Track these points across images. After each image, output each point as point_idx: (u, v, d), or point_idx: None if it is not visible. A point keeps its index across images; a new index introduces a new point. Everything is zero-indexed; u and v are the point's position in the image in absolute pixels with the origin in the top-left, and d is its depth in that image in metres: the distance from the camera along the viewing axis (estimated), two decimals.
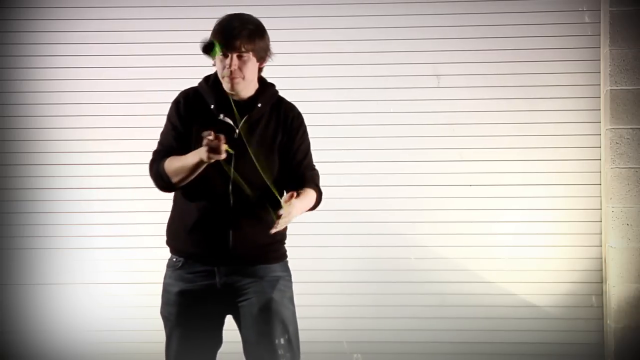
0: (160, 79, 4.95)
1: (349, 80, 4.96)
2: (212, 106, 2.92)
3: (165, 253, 3.03)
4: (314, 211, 2.92)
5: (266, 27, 2.90)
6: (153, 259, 4.85)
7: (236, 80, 2.85)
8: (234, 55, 2.82)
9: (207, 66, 2.94)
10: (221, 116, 2.90)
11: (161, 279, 3.02)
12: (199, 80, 3.02)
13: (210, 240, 2.89)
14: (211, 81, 2.97)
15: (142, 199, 4.92)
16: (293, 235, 3.13)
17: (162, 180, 2.91)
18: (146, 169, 2.99)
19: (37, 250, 5.03)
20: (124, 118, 5.00)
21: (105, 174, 5.00)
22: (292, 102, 3.06)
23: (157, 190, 2.98)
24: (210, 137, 2.63)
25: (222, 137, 2.65)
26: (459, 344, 4.92)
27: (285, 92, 3.07)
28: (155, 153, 2.98)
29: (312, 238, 4.80)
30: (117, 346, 4.96)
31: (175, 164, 2.85)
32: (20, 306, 5.03)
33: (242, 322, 2.93)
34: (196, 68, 4.74)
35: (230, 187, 2.87)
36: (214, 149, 2.65)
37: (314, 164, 3.06)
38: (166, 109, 2.94)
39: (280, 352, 2.87)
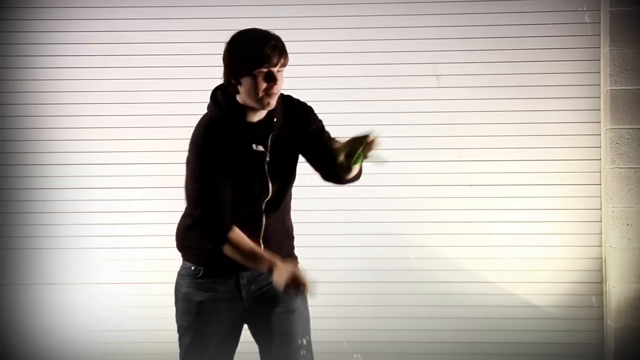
0: (160, 79, 4.95)
1: (349, 80, 4.95)
2: (240, 136, 2.77)
3: (165, 253, 3.01)
4: (311, 213, 2.89)
5: (265, 28, 2.88)
6: (153, 259, 4.89)
7: (276, 95, 2.73)
8: (282, 71, 2.72)
9: (206, 66, 2.93)
10: (254, 146, 2.78)
11: (161, 279, 3.01)
12: (209, 110, 2.82)
13: None
14: (226, 108, 2.78)
15: (142, 199, 4.92)
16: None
17: (215, 244, 2.79)
18: (146, 169, 2.97)
19: (37, 250, 5.03)
20: (123, 118, 4.99)
21: (105, 174, 4.99)
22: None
23: (156, 190, 2.96)
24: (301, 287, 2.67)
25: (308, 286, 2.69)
26: (459, 344, 4.92)
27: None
28: (215, 212, 2.74)
29: (312, 238, 4.79)
30: (117, 346, 4.96)
31: (243, 247, 2.76)
32: (20, 306, 5.03)
33: (264, 322, 2.88)
34: (196, 68, 4.81)
35: (264, 206, 2.84)
36: (296, 289, 2.67)
37: None
38: (165, 109, 2.90)
39: (303, 352, 2.84)
